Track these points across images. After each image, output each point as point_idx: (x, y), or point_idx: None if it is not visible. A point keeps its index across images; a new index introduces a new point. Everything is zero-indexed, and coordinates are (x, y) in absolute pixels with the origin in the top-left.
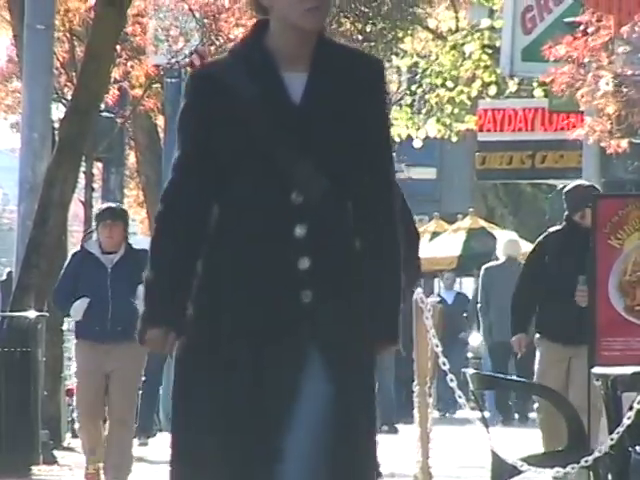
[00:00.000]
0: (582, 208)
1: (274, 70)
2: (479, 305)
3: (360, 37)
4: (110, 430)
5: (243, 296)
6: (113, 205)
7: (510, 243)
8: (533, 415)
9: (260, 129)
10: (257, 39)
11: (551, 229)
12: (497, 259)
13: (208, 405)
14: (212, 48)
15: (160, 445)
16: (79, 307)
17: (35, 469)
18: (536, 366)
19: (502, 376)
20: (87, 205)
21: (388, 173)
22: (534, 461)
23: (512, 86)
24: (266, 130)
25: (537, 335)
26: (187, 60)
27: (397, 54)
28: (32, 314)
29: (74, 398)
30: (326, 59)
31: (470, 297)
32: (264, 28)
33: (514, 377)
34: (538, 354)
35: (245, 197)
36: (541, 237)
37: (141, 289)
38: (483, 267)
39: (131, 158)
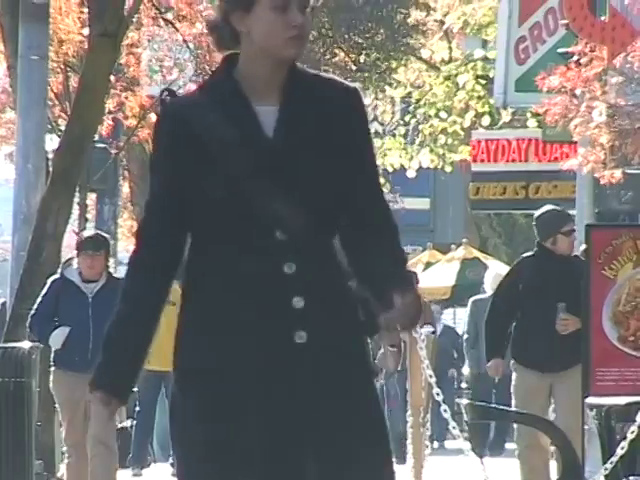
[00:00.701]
0: (553, 234)
1: (246, 104)
2: (466, 336)
3: (354, 67)
4: (92, 457)
5: (235, 338)
6: (94, 234)
7: (497, 277)
8: (509, 446)
9: (234, 168)
10: (227, 72)
11: (524, 255)
12: (484, 292)
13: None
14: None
15: (154, 476)
16: (59, 336)
17: None
18: (513, 393)
19: (496, 406)
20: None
21: (380, 194)
22: None
23: (506, 116)
24: (241, 169)
25: (512, 361)
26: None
27: (391, 84)
28: (26, 345)
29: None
30: (297, 89)
31: (462, 328)
32: (233, 61)
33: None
34: (514, 381)
35: (226, 239)
36: (514, 263)
37: None
38: (471, 300)
39: (125, 189)
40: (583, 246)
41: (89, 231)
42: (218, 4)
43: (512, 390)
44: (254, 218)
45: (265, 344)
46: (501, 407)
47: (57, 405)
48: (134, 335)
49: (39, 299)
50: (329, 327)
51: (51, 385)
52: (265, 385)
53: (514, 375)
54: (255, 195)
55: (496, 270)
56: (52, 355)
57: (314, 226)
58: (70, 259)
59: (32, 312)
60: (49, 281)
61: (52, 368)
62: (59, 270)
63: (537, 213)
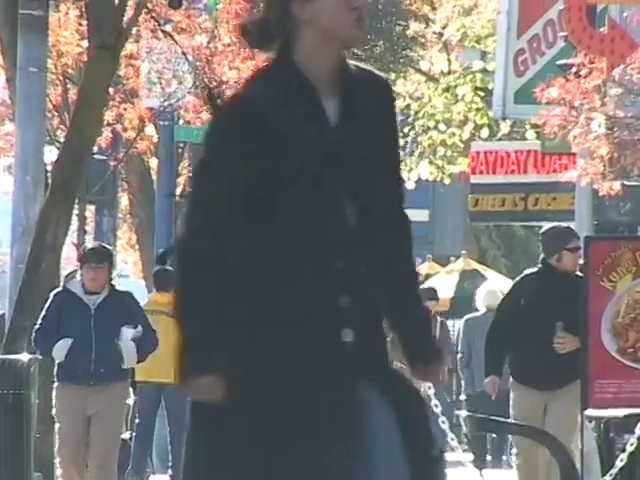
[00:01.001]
0: (559, 251)
1: (317, 101)
2: (459, 356)
3: None
4: (91, 475)
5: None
6: (97, 246)
7: (489, 294)
8: (505, 457)
9: (308, 165)
10: (289, 66)
11: (527, 271)
12: (477, 310)
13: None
14: (205, 91)
15: None
16: (62, 348)
17: None
18: (511, 410)
19: (496, 418)
20: (80, 248)
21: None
22: None
23: (504, 128)
24: (314, 165)
25: (511, 379)
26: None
27: None
28: (25, 357)
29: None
30: (351, 82)
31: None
32: (289, 49)
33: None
34: (512, 398)
35: (295, 234)
36: (517, 279)
37: (125, 331)
38: (463, 319)
39: (124, 200)
40: (581, 261)
41: (92, 243)
42: None
43: (510, 407)
44: (323, 215)
45: (315, 344)
46: (499, 419)
47: (55, 416)
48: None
49: (42, 313)
50: (372, 325)
51: (54, 401)
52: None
53: (512, 393)
54: (325, 192)
55: (488, 287)
56: (55, 370)
57: (370, 223)
58: (74, 272)
59: (36, 327)
60: (52, 294)
61: (55, 382)
62: (62, 283)
63: (543, 229)
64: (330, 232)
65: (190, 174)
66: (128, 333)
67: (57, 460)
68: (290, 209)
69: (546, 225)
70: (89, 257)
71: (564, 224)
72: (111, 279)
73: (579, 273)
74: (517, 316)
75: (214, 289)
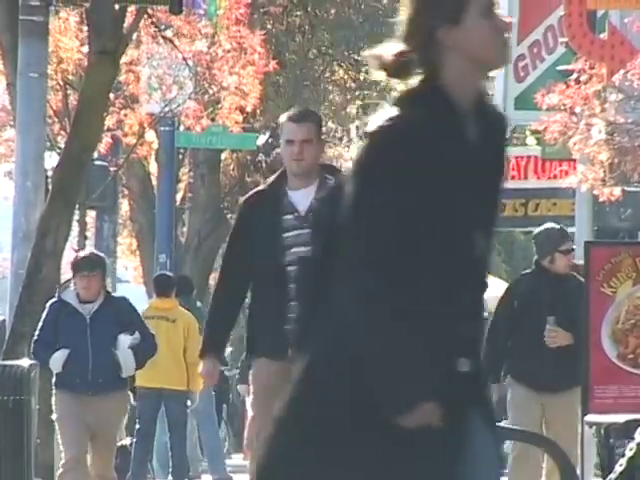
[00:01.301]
0: (551, 253)
1: (465, 125)
2: None
3: (353, 85)
4: None
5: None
6: (89, 254)
7: (491, 300)
8: None
9: (465, 194)
10: (439, 87)
11: (522, 273)
12: None
13: None
14: (205, 97)
15: None
16: (59, 358)
17: None
18: (508, 408)
19: (500, 424)
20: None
21: None
22: None
23: None
24: (468, 194)
25: (508, 377)
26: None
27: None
28: (25, 362)
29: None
30: (484, 108)
31: None
32: (436, 75)
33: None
34: (509, 398)
35: (439, 267)
36: (511, 282)
37: (122, 338)
38: None
39: (124, 206)
40: (576, 262)
41: (84, 251)
42: (414, 26)
43: (507, 406)
44: (471, 262)
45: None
46: (501, 425)
47: (56, 421)
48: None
49: (40, 324)
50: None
51: (53, 407)
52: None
53: (509, 391)
54: (474, 238)
55: (489, 293)
56: (54, 378)
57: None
58: (67, 281)
59: (34, 339)
60: (47, 305)
61: (54, 390)
62: (56, 293)
63: (536, 231)
64: (464, 264)
65: (191, 180)
66: (125, 341)
67: (59, 470)
68: (439, 240)
69: (539, 227)
70: (81, 265)
71: (557, 226)
72: (105, 286)
73: (574, 274)
74: (512, 319)
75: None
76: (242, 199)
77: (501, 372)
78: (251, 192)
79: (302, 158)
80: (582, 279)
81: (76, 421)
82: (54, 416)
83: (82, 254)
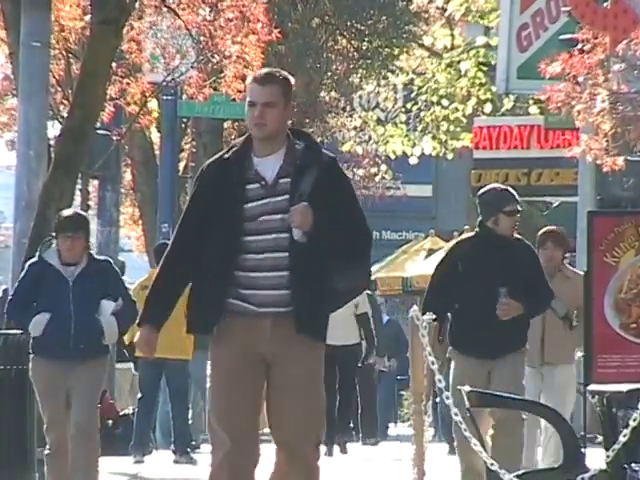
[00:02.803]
0: (495, 214)
1: None
2: None
3: (356, 55)
4: (73, 445)
5: None
6: (73, 213)
7: None
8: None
9: None
10: None
11: (463, 236)
12: None
13: None
14: (208, 66)
15: (155, 463)
16: (39, 322)
17: None
18: (450, 379)
19: (498, 393)
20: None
21: None
22: (530, 478)
23: (508, 103)
24: None
25: (450, 348)
26: (182, 78)
27: (393, 72)
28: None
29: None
30: None
31: None
32: None
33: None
34: (452, 368)
35: None
36: (452, 243)
37: (105, 304)
38: None
39: (127, 175)
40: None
41: (67, 211)
42: None
43: (450, 377)
44: None
45: None
46: (501, 394)
47: (37, 395)
48: None
49: (17, 284)
50: None
51: (30, 374)
52: None
53: (452, 362)
54: None
55: None
56: (31, 342)
57: None
58: (49, 239)
59: (10, 298)
60: (27, 265)
61: (31, 356)
62: (37, 253)
63: (480, 192)
64: None
65: (194, 149)
66: (108, 307)
67: (46, 451)
68: None
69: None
70: (64, 225)
71: (502, 186)
72: (89, 248)
73: (520, 237)
74: (455, 281)
75: None
76: (203, 165)
77: (443, 333)
78: (212, 158)
79: (264, 122)
80: (528, 242)
81: (55, 395)
82: (35, 388)
83: (65, 214)
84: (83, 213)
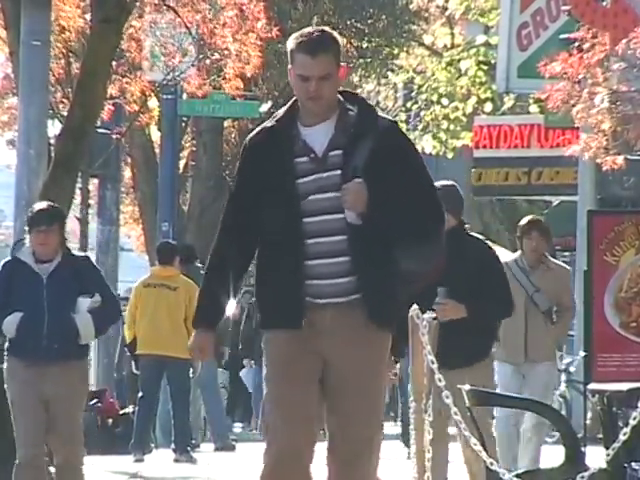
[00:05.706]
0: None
1: None
2: None
3: (356, 53)
4: (58, 477)
5: None
6: (46, 206)
7: None
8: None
9: None
10: None
11: None
12: None
13: None
14: (207, 62)
15: (155, 462)
16: (11, 322)
17: None
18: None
19: (498, 392)
20: (83, 222)
21: None
22: (530, 478)
23: (508, 102)
24: None
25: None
26: (183, 76)
27: (393, 70)
28: None
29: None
30: None
31: None
32: None
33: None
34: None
35: None
36: None
37: (80, 301)
38: None
39: (127, 174)
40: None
41: (41, 203)
42: None
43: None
44: None
45: None
46: (502, 393)
47: (10, 405)
48: None
49: None
50: None
51: (5, 378)
52: None
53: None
54: None
55: None
56: (6, 344)
57: None
58: (22, 239)
59: None
60: (0, 264)
61: (5, 357)
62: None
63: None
64: None
65: (194, 148)
66: (84, 304)
67: (16, 462)
68: None
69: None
70: (37, 219)
71: (449, 182)
72: (64, 242)
73: (472, 233)
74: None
75: None
76: (246, 139)
77: None
78: (256, 130)
79: (320, 96)
80: (478, 236)
81: (30, 406)
82: (7, 390)
83: (38, 206)
84: (58, 206)
